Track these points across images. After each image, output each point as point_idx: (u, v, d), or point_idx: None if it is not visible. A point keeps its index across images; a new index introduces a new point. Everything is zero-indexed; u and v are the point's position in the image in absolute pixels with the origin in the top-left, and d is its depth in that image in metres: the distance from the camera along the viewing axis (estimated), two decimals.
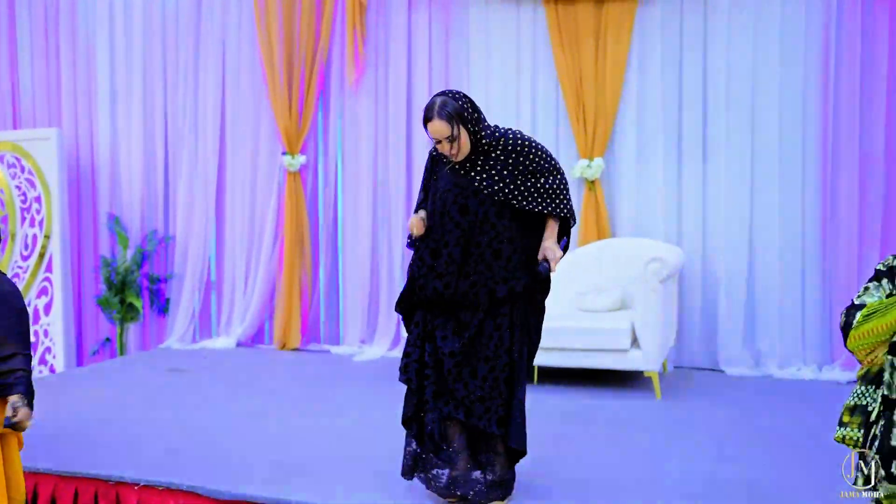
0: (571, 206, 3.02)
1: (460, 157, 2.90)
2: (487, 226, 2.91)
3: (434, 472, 3.02)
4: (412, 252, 3.08)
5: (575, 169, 5.49)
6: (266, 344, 6.42)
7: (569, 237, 3.07)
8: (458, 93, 2.91)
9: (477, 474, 2.98)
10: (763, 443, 3.87)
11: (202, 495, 3.23)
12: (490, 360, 2.94)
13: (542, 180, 2.94)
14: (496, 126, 3.00)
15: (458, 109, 2.84)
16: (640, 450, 3.77)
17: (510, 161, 2.93)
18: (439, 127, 2.83)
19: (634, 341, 4.71)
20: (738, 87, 5.36)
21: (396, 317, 6.05)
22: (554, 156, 3.06)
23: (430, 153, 3.07)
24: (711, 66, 5.42)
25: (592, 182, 5.50)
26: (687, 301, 5.46)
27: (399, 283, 6.03)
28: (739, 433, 4.03)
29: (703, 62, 5.44)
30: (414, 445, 3.06)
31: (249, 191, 6.40)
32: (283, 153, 6.19)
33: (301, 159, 6.17)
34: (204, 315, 6.59)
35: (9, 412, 2.41)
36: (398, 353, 5.94)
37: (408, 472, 3.08)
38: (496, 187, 2.91)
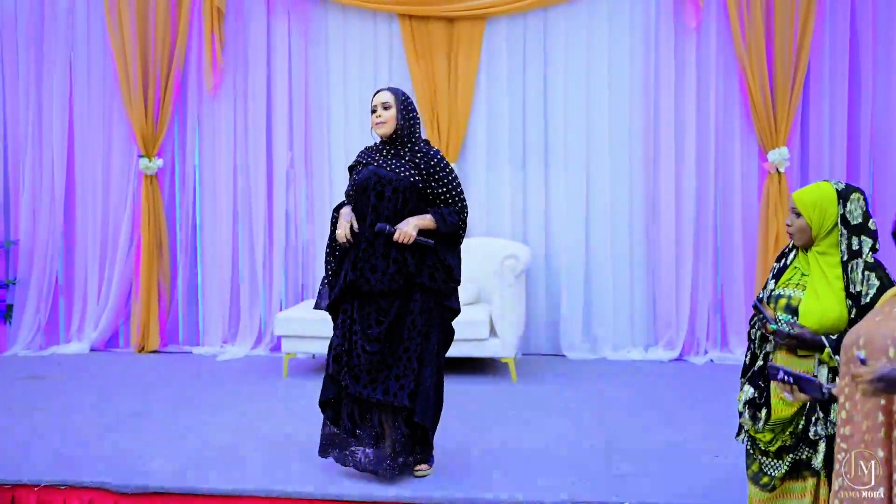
0: (459, 228, 3.39)
1: (381, 131, 3.34)
2: (397, 211, 3.30)
3: (350, 449, 3.33)
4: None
5: None
6: (121, 347, 6.37)
7: (454, 255, 3.42)
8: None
9: (388, 451, 3.32)
10: (611, 413, 4.46)
11: (109, 490, 3.34)
12: (404, 341, 3.29)
13: (444, 193, 3.37)
14: (427, 141, 3.46)
15: (402, 96, 3.40)
16: (507, 426, 4.24)
17: (422, 166, 3.34)
18: (384, 94, 3.38)
19: (492, 331, 5.19)
20: (574, 100, 5.96)
21: (259, 316, 6.23)
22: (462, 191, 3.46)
23: (349, 167, 3.49)
24: (551, 81, 6.00)
25: None
26: (532, 294, 6.01)
27: (261, 283, 6.20)
28: (589, 407, 4.61)
29: (543, 77, 6.00)
30: (330, 426, 3.35)
31: (102, 195, 6.32)
32: (140, 156, 6.17)
33: (158, 162, 6.19)
34: (51, 321, 6.43)
35: None
36: (262, 351, 6.13)
37: (324, 451, 3.38)
38: (413, 179, 3.33)
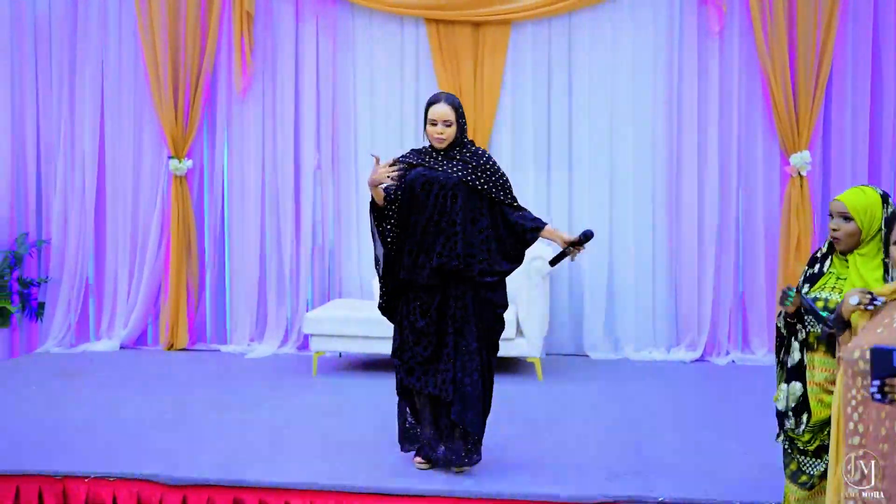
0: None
1: (441, 146, 3.43)
2: (445, 209, 3.40)
3: (420, 439, 3.55)
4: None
5: None
6: (150, 345, 6.48)
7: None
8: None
9: (439, 441, 3.50)
10: (638, 412, 4.55)
11: (157, 482, 3.44)
12: (445, 335, 3.43)
13: (500, 193, 3.51)
14: (473, 142, 3.59)
15: (459, 108, 3.46)
16: (537, 424, 4.33)
17: (473, 164, 3.45)
18: (444, 109, 3.39)
19: (518, 331, 5.28)
20: (598, 104, 6.05)
21: (286, 315, 6.33)
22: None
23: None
24: (575, 85, 6.09)
25: None
26: (555, 294, 6.09)
27: (288, 283, 6.30)
28: (616, 406, 4.70)
29: (567, 81, 6.09)
30: (408, 419, 3.55)
31: (132, 195, 6.42)
32: (170, 157, 6.28)
33: (188, 164, 6.30)
34: (82, 319, 6.54)
35: None
36: (289, 349, 6.23)
37: (402, 444, 3.60)
38: (460, 174, 3.42)
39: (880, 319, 2.10)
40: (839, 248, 2.58)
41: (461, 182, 3.41)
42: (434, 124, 3.39)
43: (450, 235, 3.39)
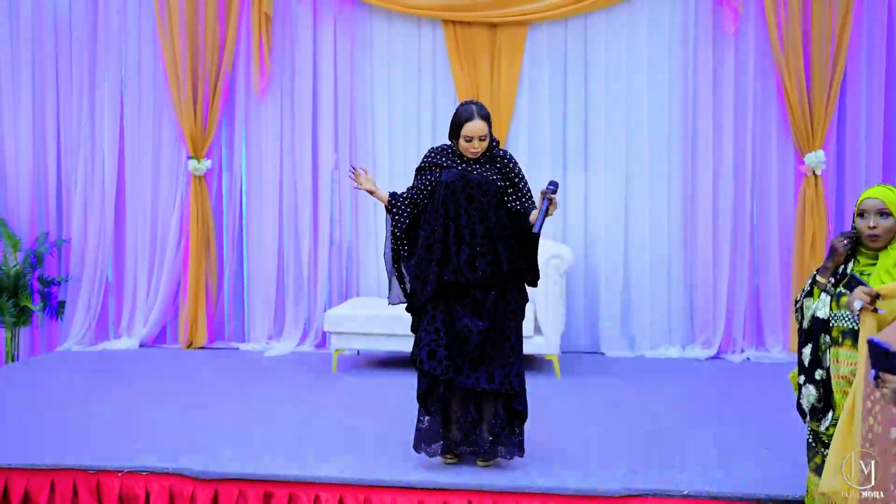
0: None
1: (474, 157, 3.47)
2: (494, 210, 3.45)
3: (447, 439, 3.56)
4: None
5: None
6: (169, 343, 6.55)
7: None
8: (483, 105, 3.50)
9: (486, 436, 3.55)
10: (656, 408, 4.60)
11: (189, 477, 3.50)
12: (505, 330, 3.49)
13: (522, 197, 3.54)
14: (498, 141, 3.62)
15: (489, 118, 3.45)
16: (558, 419, 4.39)
17: (500, 167, 3.50)
18: (480, 126, 3.39)
19: (536, 329, 5.33)
20: (614, 104, 6.11)
21: (304, 313, 6.39)
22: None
23: (419, 168, 3.61)
24: (591, 85, 6.14)
25: None
26: (571, 292, 6.15)
27: (306, 282, 6.36)
28: (634, 402, 4.76)
29: (584, 82, 6.15)
30: (427, 421, 3.53)
31: (152, 195, 6.50)
32: (189, 157, 6.35)
33: (207, 164, 6.36)
34: (102, 317, 6.61)
35: None
36: (307, 347, 6.29)
37: (417, 446, 3.56)
38: (495, 178, 3.48)
39: None
40: (876, 245, 2.62)
41: (497, 185, 3.47)
42: (469, 140, 3.41)
43: (505, 238, 3.45)
